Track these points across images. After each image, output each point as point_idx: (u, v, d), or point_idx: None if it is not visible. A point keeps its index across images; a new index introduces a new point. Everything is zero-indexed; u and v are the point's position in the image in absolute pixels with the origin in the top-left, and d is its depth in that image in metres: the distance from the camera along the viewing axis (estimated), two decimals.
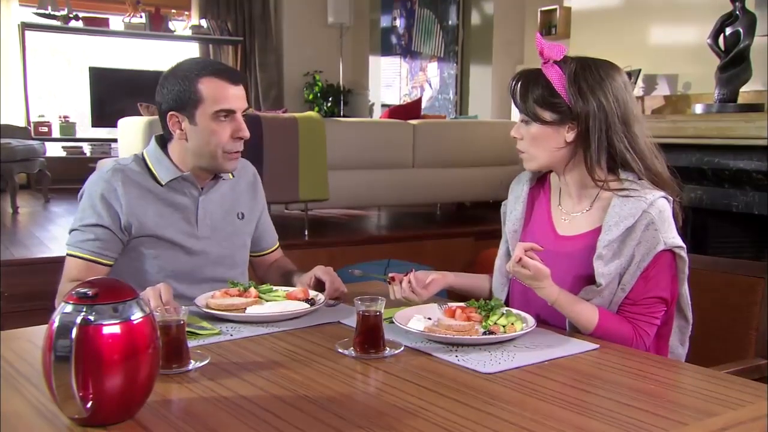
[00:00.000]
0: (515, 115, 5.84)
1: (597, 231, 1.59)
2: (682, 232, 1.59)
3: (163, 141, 1.89)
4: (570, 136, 1.59)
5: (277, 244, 2.15)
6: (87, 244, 1.78)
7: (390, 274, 1.68)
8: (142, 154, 1.89)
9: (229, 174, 1.95)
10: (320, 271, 1.83)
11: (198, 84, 1.77)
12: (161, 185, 1.85)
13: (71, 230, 1.82)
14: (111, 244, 1.80)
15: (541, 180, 1.78)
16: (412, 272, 1.67)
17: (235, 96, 1.79)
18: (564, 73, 1.57)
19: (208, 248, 1.89)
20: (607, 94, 1.57)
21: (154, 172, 1.85)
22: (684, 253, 1.56)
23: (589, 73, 1.57)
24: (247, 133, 1.82)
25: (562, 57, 1.59)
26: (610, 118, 1.57)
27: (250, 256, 2.08)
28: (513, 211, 1.78)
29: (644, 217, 1.53)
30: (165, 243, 1.83)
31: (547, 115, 1.59)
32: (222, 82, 1.78)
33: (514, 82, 1.64)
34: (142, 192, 1.83)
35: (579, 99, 1.56)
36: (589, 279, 1.57)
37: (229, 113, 1.79)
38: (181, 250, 1.85)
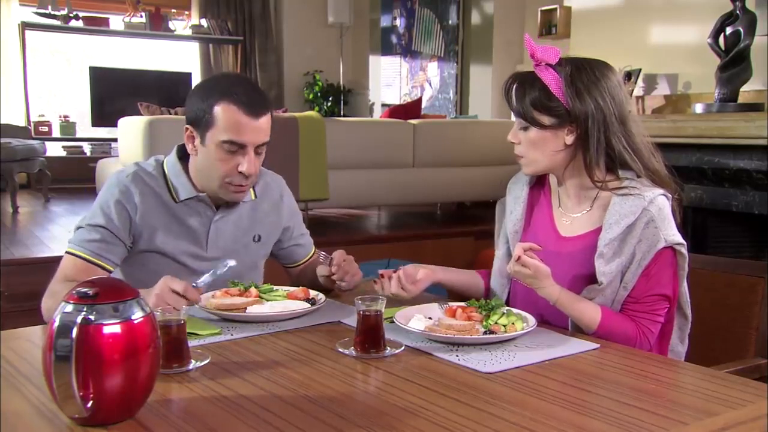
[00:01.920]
0: None
1: (598, 231, 1.58)
2: (682, 231, 1.59)
3: (184, 153, 1.83)
4: (569, 138, 1.59)
5: (313, 249, 2.09)
6: (91, 244, 1.72)
7: (380, 271, 1.67)
8: (163, 163, 1.84)
9: (252, 195, 1.89)
10: (337, 254, 1.79)
11: (215, 106, 1.68)
12: (176, 202, 1.80)
13: (77, 227, 1.76)
14: (115, 248, 1.74)
15: (540, 180, 1.78)
16: (401, 268, 1.66)
17: (250, 129, 1.69)
18: (560, 76, 1.56)
19: (215, 268, 1.85)
20: (604, 94, 1.56)
21: (171, 187, 1.80)
22: (684, 250, 1.56)
23: (585, 74, 1.56)
24: (249, 170, 1.71)
25: (557, 60, 1.58)
26: (608, 119, 1.56)
27: (289, 266, 2.07)
28: (513, 211, 1.77)
29: (644, 215, 1.53)
30: (169, 260, 1.80)
31: (546, 120, 1.58)
32: (239, 112, 1.67)
33: (508, 86, 1.62)
34: (157, 203, 1.78)
35: (577, 101, 1.55)
36: (592, 278, 1.57)
37: (239, 147, 1.69)
38: (186, 270, 1.80)
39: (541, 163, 1.63)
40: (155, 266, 1.79)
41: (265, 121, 1.72)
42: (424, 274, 1.68)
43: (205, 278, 1.56)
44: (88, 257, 1.71)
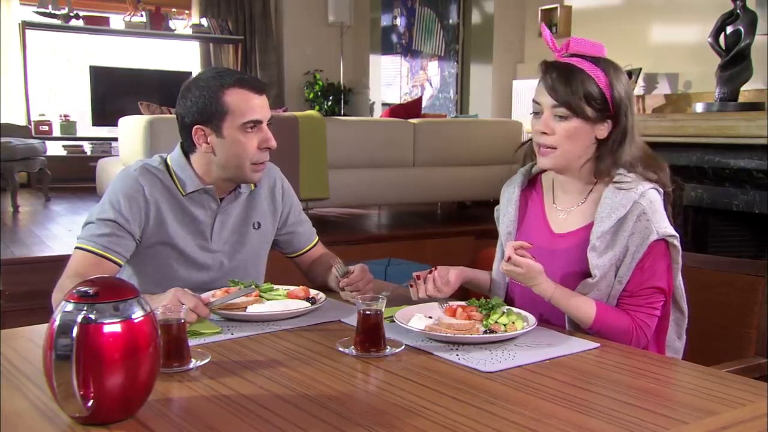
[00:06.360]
0: (515, 113, 5.85)
1: (591, 226, 1.59)
2: (683, 231, 1.59)
3: (186, 150, 1.86)
4: (602, 133, 1.59)
5: (316, 239, 2.09)
6: (100, 238, 1.72)
7: (415, 273, 1.69)
8: (166, 159, 1.86)
9: (251, 184, 1.91)
10: (358, 272, 1.78)
11: (223, 96, 1.73)
12: (182, 195, 1.82)
13: (86, 223, 1.76)
14: (124, 241, 1.74)
15: (532, 181, 1.79)
16: (435, 270, 1.67)
17: (260, 106, 1.77)
18: (604, 71, 1.57)
19: (220, 260, 1.87)
20: (630, 93, 1.61)
21: (177, 180, 1.82)
22: (677, 242, 1.56)
23: (620, 71, 1.60)
24: (274, 143, 1.79)
25: (602, 54, 1.60)
26: (630, 116, 1.60)
27: (291, 256, 2.07)
28: (506, 214, 1.78)
29: (635, 208, 1.54)
30: (178, 252, 1.81)
31: (590, 111, 1.57)
32: (247, 92, 1.75)
33: (547, 73, 1.58)
34: (166, 195, 1.80)
35: (619, 97, 1.57)
36: (586, 275, 1.58)
37: (256, 124, 1.76)
38: (193, 264, 1.83)
39: (572, 154, 1.60)
40: (165, 259, 1.81)
41: (266, 97, 1.81)
42: (455, 274, 1.70)
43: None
44: (98, 251, 1.72)
